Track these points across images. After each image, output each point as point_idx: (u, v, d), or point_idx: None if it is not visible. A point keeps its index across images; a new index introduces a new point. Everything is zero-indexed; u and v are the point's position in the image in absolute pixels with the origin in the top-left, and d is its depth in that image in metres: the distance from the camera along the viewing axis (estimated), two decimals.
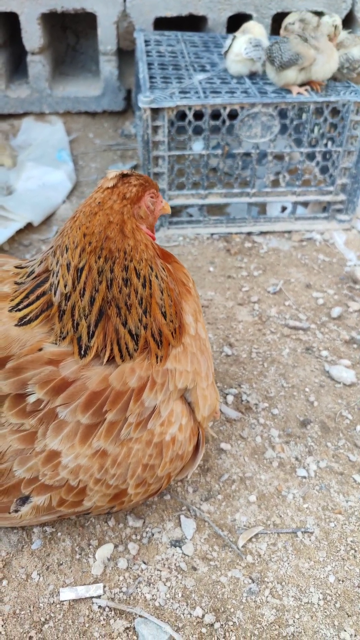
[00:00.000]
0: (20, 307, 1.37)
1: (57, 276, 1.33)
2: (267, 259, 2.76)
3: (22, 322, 1.35)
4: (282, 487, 1.70)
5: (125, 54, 4.08)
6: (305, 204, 3.05)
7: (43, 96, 3.85)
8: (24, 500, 1.39)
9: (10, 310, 1.37)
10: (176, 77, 2.92)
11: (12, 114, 3.91)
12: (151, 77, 2.89)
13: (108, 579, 1.46)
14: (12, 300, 1.39)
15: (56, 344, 1.34)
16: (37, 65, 3.73)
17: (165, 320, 1.35)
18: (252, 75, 2.93)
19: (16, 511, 1.40)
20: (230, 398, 1.96)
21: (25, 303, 1.36)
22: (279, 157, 3.02)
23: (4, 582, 1.44)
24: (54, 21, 3.97)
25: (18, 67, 4.10)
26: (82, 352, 1.32)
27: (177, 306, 1.40)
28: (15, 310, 1.37)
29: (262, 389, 2.02)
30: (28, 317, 1.35)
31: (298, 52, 2.58)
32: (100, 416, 1.33)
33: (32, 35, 3.60)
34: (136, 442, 1.37)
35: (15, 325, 1.35)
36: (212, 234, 2.92)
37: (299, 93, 2.67)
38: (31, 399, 1.32)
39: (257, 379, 2.05)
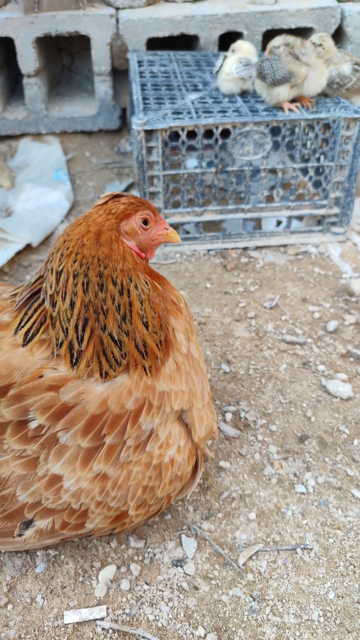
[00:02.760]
0: (22, 324, 1.41)
1: (45, 280, 1.40)
2: (264, 274, 2.79)
3: (27, 340, 1.39)
4: (281, 503, 1.72)
5: (119, 73, 4.14)
6: (300, 218, 3.09)
7: (40, 117, 3.91)
8: (28, 524, 1.42)
9: (15, 332, 1.41)
10: (169, 97, 2.98)
11: (10, 135, 3.98)
12: (144, 99, 2.95)
13: (111, 600, 1.48)
14: (15, 318, 1.42)
15: (54, 355, 1.37)
16: (33, 88, 3.80)
17: (148, 330, 1.38)
18: (244, 94, 2.99)
19: (20, 535, 1.42)
20: (228, 415, 1.99)
21: (25, 319, 1.41)
22: (273, 172, 3.06)
23: (9, 607, 1.46)
24: (49, 43, 4.04)
25: (14, 89, 4.18)
26: (74, 360, 1.35)
27: (162, 319, 1.43)
28: (19, 329, 1.40)
29: (260, 405, 2.04)
30: (31, 333, 1.39)
31: (290, 70, 2.63)
32: (100, 440, 1.36)
33: (28, 59, 3.67)
34: (135, 464, 1.40)
35: (23, 344, 1.39)
36: (208, 250, 2.96)
37: (290, 110, 2.72)
38: (33, 425, 1.35)
39: (255, 396, 2.08)
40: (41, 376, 1.37)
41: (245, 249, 2.98)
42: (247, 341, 2.35)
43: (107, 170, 3.75)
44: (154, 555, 1.59)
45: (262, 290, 2.67)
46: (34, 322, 1.40)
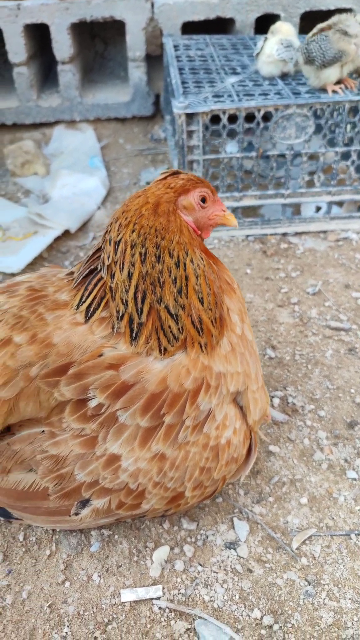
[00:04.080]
0: (83, 299, 1.41)
1: (103, 252, 1.41)
2: (304, 260, 2.75)
3: (89, 315, 1.39)
4: (333, 489, 1.70)
5: (152, 59, 4.11)
6: (340, 204, 3.04)
7: (74, 104, 3.90)
8: (84, 503, 1.42)
9: (77, 308, 1.41)
10: (208, 81, 2.94)
11: (44, 122, 3.98)
12: (183, 83, 2.91)
13: (166, 580, 1.48)
14: (75, 295, 1.42)
15: (114, 331, 1.37)
16: (68, 74, 3.79)
17: (203, 306, 1.37)
18: (284, 76, 2.94)
19: (76, 514, 1.43)
20: (276, 400, 1.97)
21: (86, 294, 1.41)
22: (314, 157, 3.01)
23: (67, 584, 1.47)
24: (82, 29, 4.03)
25: (48, 77, 4.18)
26: (134, 335, 1.35)
27: (217, 297, 1.42)
28: (81, 304, 1.40)
29: (308, 391, 2.02)
30: (92, 307, 1.39)
31: (340, 48, 2.56)
32: (159, 419, 1.35)
33: (63, 45, 3.66)
34: (193, 445, 1.39)
35: (85, 320, 1.39)
36: (247, 236, 2.93)
37: (334, 91, 2.66)
38: (92, 404, 1.35)
39: (301, 381, 2.05)
40: (101, 355, 1.36)
41: (284, 234, 2.94)
42: (291, 327, 2.32)
43: (142, 157, 3.73)
44: (207, 537, 1.58)
45: (303, 276, 2.63)
46: (95, 297, 1.40)
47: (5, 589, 1.47)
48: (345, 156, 2.86)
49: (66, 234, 2.98)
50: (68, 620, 1.40)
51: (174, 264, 1.35)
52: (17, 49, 3.64)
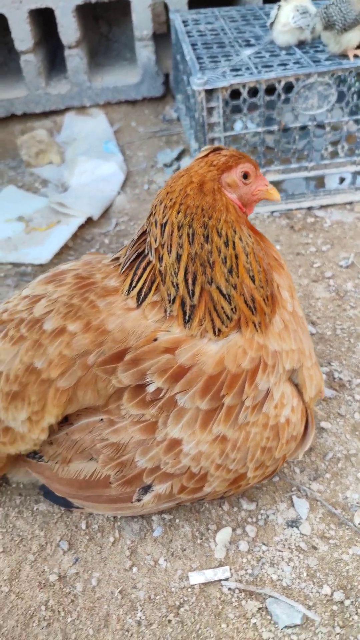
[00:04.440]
0: (133, 284, 1.38)
1: (149, 235, 1.38)
2: (333, 233, 2.70)
3: (140, 300, 1.37)
4: None
5: (157, 38, 4.01)
6: None
7: (83, 89, 3.84)
8: (146, 489, 1.42)
9: (127, 293, 1.38)
10: (223, 55, 2.87)
11: (54, 110, 3.92)
12: (198, 58, 2.84)
13: (232, 561, 1.48)
14: (124, 281, 1.40)
15: (166, 314, 1.35)
16: (75, 59, 3.72)
17: (255, 284, 1.34)
18: (301, 45, 2.85)
19: (138, 500, 1.43)
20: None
21: (135, 279, 1.39)
22: (336, 127, 2.93)
23: (134, 569, 1.48)
24: (86, 12, 3.94)
25: (54, 64, 4.10)
26: (187, 318, 1.33)
27: (267, 274, 1.39)
28: (131, 290, 1.38)
29: (353, 365, 1.99)
30: (143, 292, 1.38)
31: None
32: (218, 401, 1.34)
33: (68, 29, 3.58)
34: (253, 425, 1.38)
35: (137, 305, 1.37)
36: (272, 212, 2.88)
37: (355, 56, 2.58)
38: (150, 389, 1.33)
39: (345, 356, 2.02)
40: (155, 339, 1.35)
41: (309, 208, 2.88)
42: (328, 301, 2.28)
43: (156, 139, 3.67)
44: (267, 517, 1.57)
45: (334, 249, 2.59)
46: (145, 281, 1.38)
47: (74, 577, 1.47)
48: None
49: (89, 221, 2.95)
50: (140, 605, 1.40)
51: (223, 243, 1.33)
52: (23, 36, 3.57)
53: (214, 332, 1.34)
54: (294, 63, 2.66)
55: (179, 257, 1.33)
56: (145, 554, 1.50)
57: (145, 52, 3.75)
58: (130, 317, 1.37)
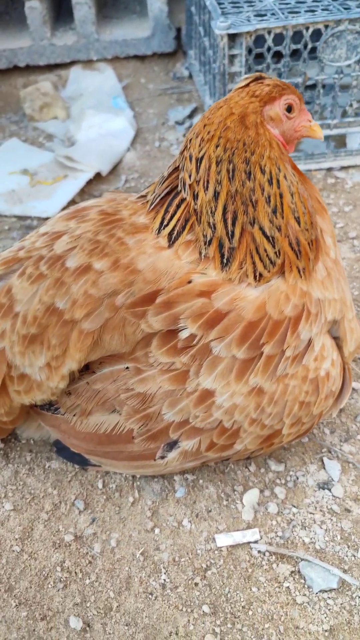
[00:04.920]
0: (165, 223, 1.26)
1: (183, 170, 1.26)
2: (355, 194, 2.57)
3: (173, 239, 1.25)
4: None
5: None
6: None
7: (90, 42, 3.64)
8: (172, 445, 1.31)
9: (158, 232, 1.26)
10: (246, 1, 2.69)
11: (59, 64, 3.72)
12: (219, 3, 2.66)
13: (261, 524, 1.39)
14: (154, 218, 1.28)
15: (201, 256, 1.23)
16: (83, 8, 3.51)
17: (300, 227, 1.23)
18: None
19: (162, 457, 1.32)
20: None
21: (167, 217, 1.26)
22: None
23: (157, 530, 1.38)
24: None
25: (59, 14, 3.89)
26: (225, 261, 1.21)
27: (312, 216, 1.27)
28: (163, 228, 1.26)
29: None
30: (175, 231, 1.25)
31: None
32: (257, 349, 1.23)
33: None
34: (292, 378, 1.27)
35: (167, 247, 1.24)
36: None
37: None
38: (183, 335, 1.22)
39: None
40: (190, 281, 1.23)
41: (329, 169, 2.75)
42: (353, 262, 2.17)
43: (166, 97, 3.49)
44: (297, 478, 1.48)
45: (357, 210, 2.46)
46: (178, 220, 1.25)
47: (92, 537, 1.37)
48: None
49: (97, 177, 2.80)
50: (164, 567, 1.31)
51: (267, 181, 1.20)
52: None
53: (255, 277, 1.23)
54: (323, 10, 2.50)
55: (216, 195, 1.21)
56: (167, 515, 1.41)
57: (157, 3, 3.55)
58: (163, 256, 1.24)
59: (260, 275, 1.23)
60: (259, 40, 2.44)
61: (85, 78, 3.65)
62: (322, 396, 1.33)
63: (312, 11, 2.49)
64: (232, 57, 2.46)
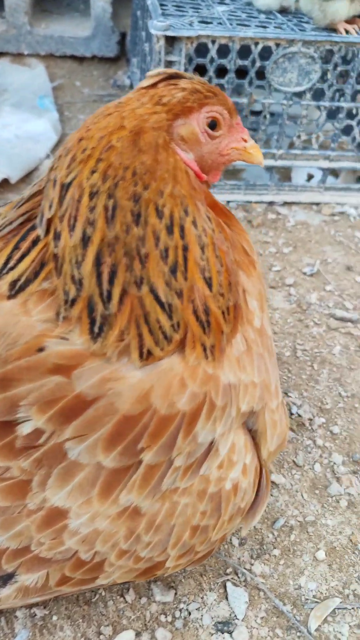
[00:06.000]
0: (9, 264, 0.86)
1: (44, 198, 0.89)
2: (297, 234, 2.29)
3: (15, 291, 0.85)
4: (357, 537, 1.26)
5: None
6: (335, 173, 2.60)
7: (21, 33, 3.24)
8: (6, 579, 0.90)
9: None
10: (191, 6, 2.39)
11: None
12: (162, 5, 2.34)
13: None
14: None
15: (59, 317, 0.85)
16: None
17: (212, 291, 0.88)
18: (283, 12, 2.43)
19: None
20: None
21: (16, 257, 0.87)
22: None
23: None
24: None
25: None
26: (96, 330, 0.83)
27: (232, 275, 0.93)
28: (6, 271, 0.86)
29: (315, 398, 1.56)
30: (22, 279, 0.86)
31: None
32: (134, 456, 0.85)
33: None
34: (184, 494, 0.90)
35: (8, 297, 0.85)
36: (228, 202, 2.44)
37: (346, 31, 2.18)
38: (25, 429, 0.82)
39: (307, 385, 1.59)
40: (41, 349, 0.83)
41: (270, 203, 2.47)
42: (288, 314, 1.85)
43: (102, 104, 3.12)
44: (189, 613, 1.10)
45: (297, 253, 2.17)
46: (33, 261, 0.86)
47: None
48: (350, 115, 2.40)
49: (4, 184, 2.37)
50: None
51: (165, 228, 0.84)
52: None
53: (141, 355, 0.85)
54: (275, 27, 2.23)
55: (86, 240, 0.83)
56: None
57: (100, 2, 3.21)
58: (3, 309, 0.84)
59: (150, 352, 0.85)
60: (202, 49, 2.13)
61: (12, 73, 3.24)
62: (226, 517, 0.96)
63: (264, 27, 2.22)
64: (169, 64, 2.13)
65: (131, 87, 3.25)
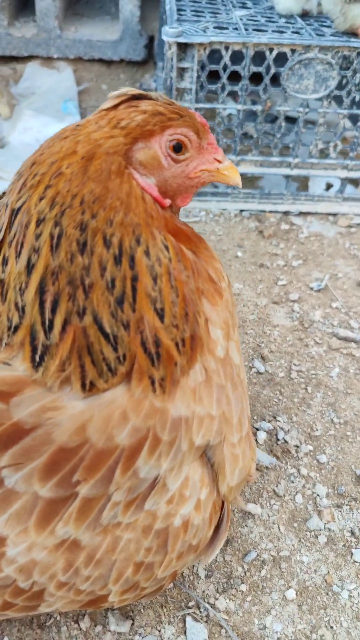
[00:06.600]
0: None
1: None
2: (309, 246, 2.21)
3: None
4: (333, 577, 1.19)
5: None
6: (355, 182, 2.49)
7: (51, 37, 3.27)
8: None
9: None
10: (210, 11, 2.35)
11: (15, 56, 3.34)
12: (179, 10, 2.31)
13: None
14: None
15: (2, 343, 0.85)
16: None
17: (163, 323, 0.84)
18: (304, 16, 2.35)
19: None
20: (261, 435, 1.45)
21: None
22: (331, 122, 2.44)
23: None
24: None
25: (26, 4, 3.52)
26: (37, 358, 0.81)
27: (189, 306, 0.88)
28: None
29: (305, 423, 1.50)
30: None
31: None
32: (69, 488, 0.82)
33: None
34: (127, 529, 0.87)
35: None
36: (241, 211, 2.38)
37: None
38: None
39: (298, 409, 1.53)
40: None
41: (286, 213, 2.39)
42: (288, 332, 1.79)
43: None
44: None
45: (306, 266, 2.10)
46: None
47: None
48: None
49: None
50: None
51: (112, 258, 0.81)
52: None
53: (83, 386, 0.82)
54: (293, 32, 2.16)
55: (30, 267, 0.81)
56: None
57: (129, 5, 3.21)
58: None
59: (92, 384, 0.83)
60: (215, 55, 2.08)
61: (41, 76, 3.28)
62: (174, 555, 0.92)
63: (281, 32, 2.15)
64: (181, 71, 2.09)
65: (156, 90, 3.23)
